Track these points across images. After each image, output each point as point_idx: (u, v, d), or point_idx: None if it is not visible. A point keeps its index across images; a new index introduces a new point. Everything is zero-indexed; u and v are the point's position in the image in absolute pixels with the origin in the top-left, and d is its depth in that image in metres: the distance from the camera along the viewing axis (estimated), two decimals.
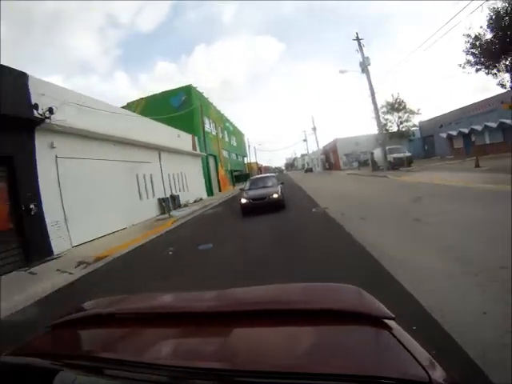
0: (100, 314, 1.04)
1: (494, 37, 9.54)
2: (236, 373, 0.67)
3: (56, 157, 8.83)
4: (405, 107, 32.16)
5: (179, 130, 19.56)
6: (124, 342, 0.93)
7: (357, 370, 0.61)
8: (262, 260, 5.07)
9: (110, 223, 10.53)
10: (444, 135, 28.13)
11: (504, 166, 11.95)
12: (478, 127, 24.12)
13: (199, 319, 0.90)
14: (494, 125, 22.99)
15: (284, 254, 5.26)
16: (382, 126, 30.76)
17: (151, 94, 26.22)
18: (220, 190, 28.28)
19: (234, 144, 44.65)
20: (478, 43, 10.18)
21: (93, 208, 9.71)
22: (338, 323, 0.79)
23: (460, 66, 10.60)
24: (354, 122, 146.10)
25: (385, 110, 32.26)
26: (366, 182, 16.74)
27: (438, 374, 0.59)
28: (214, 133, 30.82)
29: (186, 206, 16.97)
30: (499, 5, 8.99)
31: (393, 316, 0.75)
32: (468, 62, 10.33)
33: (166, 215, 13.19)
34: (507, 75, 10.14)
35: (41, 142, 8.46)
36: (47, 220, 8.25)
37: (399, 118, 32.43)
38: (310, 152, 67.99)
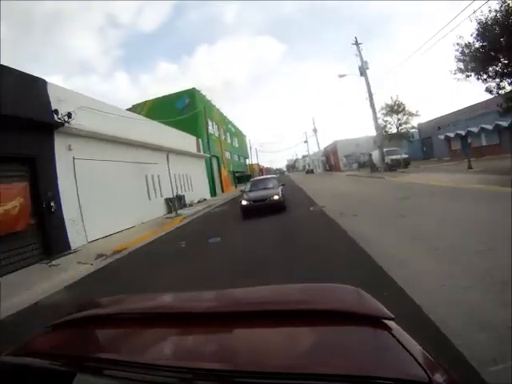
0: (100, 315, 1.05)
1: (481, 46, 10.18)
2: (236, 373, 0.67)
3: (73, 158, 9.51)
4: (404, 109, 32.78)
5: (184, 133, 20.29)
6: (124, 343, 0.94)
7: (356, 370, 0.62)
8: (263, 245, 6.11)
9: (122, 221, 11.18)
10: (442, 137, 28.67)
11: (495, 167, 12.58)
12: (475, 129, 24.62)
13: (199, 320, 0.90)
14: (489, 127, 23.50)
15: (282, 240, 6.29)
16: (381, 128, 31.34)
17: (153, 94, 27.09)
18: (223, 191, 28.96)
19: (236, 145, 45.33)
20: (467, 51, 10.82)
21: (106, 207, 10.37)
22: (338, 324, 0.79)
23: (451, 72, 11.27)
24: (355, 124, 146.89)
25: (384, 111, 32.94)
26: (363, 183, 17.40)
27: (437, 374, 0.60)
28: (216, 134, 31.50)
29: (190, 205, 17.66)
30: (484, 18, 9.71)
31: (392, 316, 0.76)
32: (458, 68, 11.00)
33: (173, 214, 13.87)
34: (497, 80, 10.77)
35: (60, 145, 9.13)
36: (65, 217, 8.91)
37: (398, 120, 33.03)
38: (310, 153, 68.69)
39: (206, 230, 9.84)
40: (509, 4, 10.17)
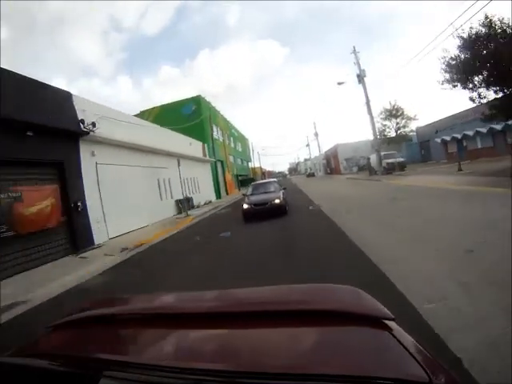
0: (100, 315, 1.06)
1: (465, 58, 11.19)
2: (236, 373, 0.67)
3: (96, 163, 10.57)
4: (402, 113, 33.86)
5: (191, 138, 21.43)
6: (124, 343, 0.96)
7: (357, 370, 0.62)
8: (267, 234, 7.43)
9: (138, 220, 12.23)
10: (439, 140, 29.55)
11: (483, 169, 13.51)
12: (470, 132, 25.48)
13: (199, 320, 0.92)
14: (484, 130, 24.36)
15: (283, 230, 7.66)
16: (380, 132, 32.55)
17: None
18: (227, 194, 30.10)
19: (239, 149, 46.48)
20: (454, 63, 11.82)
21: (124, 207, 11.41)
22: (339, 324, 0.80)
23: (439, 82, 12.27)
24: (356, 127, 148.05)
25: (383, 116, 34.03)
26: (361, 185, 18.42)
27: (437, 374, 0.60)
28: (221, 139, 32.66)
29: (198, 207, 18.73)
30: (465, 35, 10.73)
31: (393, 317, 0.77)
32: (445, 79, 11.99)
33: (183, 214, 14.92)
34: (479, 90, 11.76)
35: (84, 151, 10.19)
36: (90, 216, 9.95)
37: (397, 123, 34.10)
38: (312, 157, 69.77)
39: (216, 226, 10.86)
40: (491, 20, 11.23)
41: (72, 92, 9.94)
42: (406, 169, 22.86)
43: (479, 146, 25.59)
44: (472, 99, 11.55)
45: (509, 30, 11.02)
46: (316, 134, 57.39)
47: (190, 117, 24.89)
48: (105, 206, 10.55)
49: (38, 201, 8.27)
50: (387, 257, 4.28)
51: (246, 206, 10.67)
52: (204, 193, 22.53)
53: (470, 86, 12.04)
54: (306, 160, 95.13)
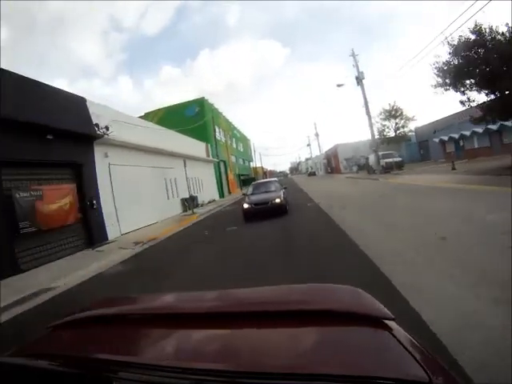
0: (100, 315, 1.06)
1: (456, 64, 11.84)
2: (237, 374, 0.67)
3: (109, 164, 11.30)
4: (401, 114, 34.49)
5: (196, 140, 22.22)
6: (124, 343, 0.95)
7: (357, 370, 0.63)
8: (269, 227, 8.26)
9: (147, 217, 12.98)
10: (437, 140, 30.13)
11: (478, 168, 14.13)
12: (467, 132, 26.03)
13: (199, 320, 0.92)
14: (480, 130, 24.92)
15: (284, 224, 8.47)
16: (379, 132, 33.21)
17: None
18: (229, 193, 30.93)
19: (241, 150, 47.27)
20: (445, 68, 12.46)
21: (134, 204, 12.15)
22: (339, 324, 0.80)
23: (431, 86, 12.94)
24: (356, 127, 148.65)
25: (382, 116, 34.69)
26: (358, 184, 19.17)
27: (437, 374, 0.60)
28: (223, 140, 33.44)
29: (202, 205, 19.49)
30: (456, 41, 11.41)
31: (393, 317, 0.77)
32: (438, 83, 12.65)
33: (189, 212, 15.69)
34: (469, 94, 12.42)
35: (98, 152, 10.92)
36: (104, 213, 10.68)
37: (396, 124, 34.74)
38: (313, 156, 70.49)
39: (222, 222, 11.60)
40: (480, 27, 11.88)
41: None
42: (403, 168, 23.53)
43: (476, 146, 26.12)
44: (462, 102, 12.22)
45: (498, 37, 11.69)
46: (317, 134, 58.23)
47: (193, 118, 25.64)
48: (117, 203, 11.27)
49: (58, 199, 8.96)
50: (364, 236, 5.39)
51: (246, 206, 10.67)
52: (208, 192, 23.31)
53: (462, 89, 12.66)
54: (307, 159, 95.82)
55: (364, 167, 31.30)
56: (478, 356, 1.85)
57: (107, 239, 10.58)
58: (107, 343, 0.95)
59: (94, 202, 10.29)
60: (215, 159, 26.48)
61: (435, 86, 12.72)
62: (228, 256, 6.07)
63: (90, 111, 10.63)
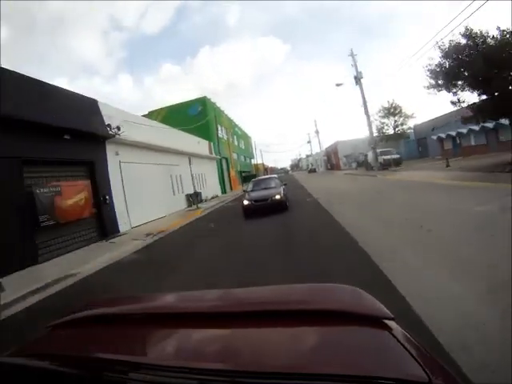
0: (100, 315, 1.07)
1: (448, 66, 12.43)
2: (237, 373, 0.67)
3: (120, 162, 12.01)
4: (400, 111, 34.95)
5: (199, 138, 22.95)
6: (124, 343, 0.96)
7: (357, 370, 0.63)
8: (270, 220, 8.96)
9: (154, 212, 13.73)
10: (435, 137, 30.68)
11: (471, 165, 14.77)
12: (464, 130, 26.55)
13: (199, 320, 0.93)
14: (477, 128, 25.44)
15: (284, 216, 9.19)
16: (378, 129, 33.66)
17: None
18: (231, 189, 31.71)
19: (242, 147, 47.90)
20: (438, 70, 13.04)
21: (143, 200, 12.89)
22: (339, 324, 0.80)
23: (425, 87, 13.53)
24: (356, 124, 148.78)
25: (381, 114, 35.16)
26: (357, 180, 19.89)
27: (437, 374, 0.61)
28: (225, 138, 34.10)
29: (205, 201, 20.28)
30: (447, 45, 12.00)
31: (392, 316, 0.78)
32: (430, 84, 13.25)
33: (194, 207, 16.44)
34: (461, 94, 13.02)
35: (110, 151, 11.62)
36: (116, 207, 11.40)
37: (395, 121, 35.22)
38: (313, 153, 71.11)
39: (226, 216, 12.36)
40: (471, 30, 12.46)
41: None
42: (401, 165, 24.18)
43: (473, 144, 26.64)
44: (453, 103, 12.83)
45: (489, 40, 12.28)
46: (317, 132, 58.77)
47: (196, 117, 26.32)
48: (127, 199, 12.00)
49: (74, 195, 9.66)
50: (356, 227, 6.07)
51: (246, 202, 10.71)
52: (211, 188, 24.07)
53: (454, 90, 13.24)
54: (307, 156, 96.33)
55: (363, 164, 31.92)
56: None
57: (119, 232, 11.30)
58: (107, 343, 0.96)
59: (107, 197, 11.01)
60: (218, 156, 27.22)
61: (428, 87, 13.32)
62: (231, 245, 6.80)
63: (102, 113, 11.32)
